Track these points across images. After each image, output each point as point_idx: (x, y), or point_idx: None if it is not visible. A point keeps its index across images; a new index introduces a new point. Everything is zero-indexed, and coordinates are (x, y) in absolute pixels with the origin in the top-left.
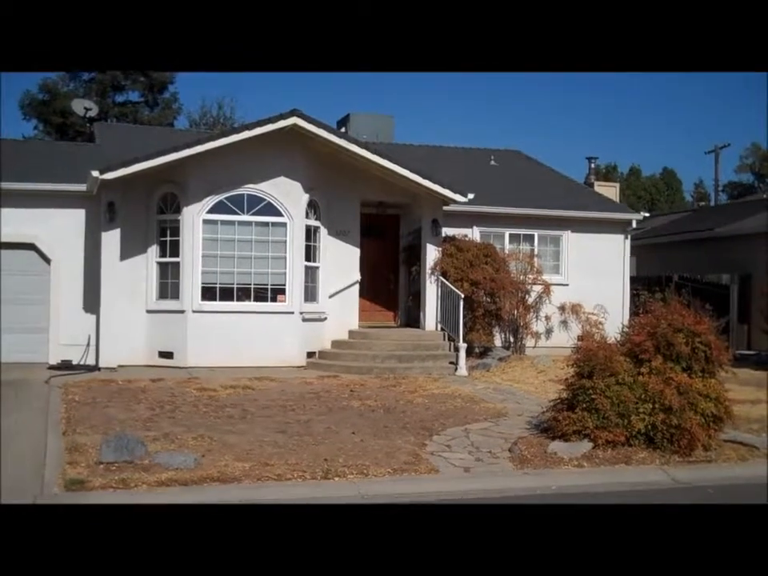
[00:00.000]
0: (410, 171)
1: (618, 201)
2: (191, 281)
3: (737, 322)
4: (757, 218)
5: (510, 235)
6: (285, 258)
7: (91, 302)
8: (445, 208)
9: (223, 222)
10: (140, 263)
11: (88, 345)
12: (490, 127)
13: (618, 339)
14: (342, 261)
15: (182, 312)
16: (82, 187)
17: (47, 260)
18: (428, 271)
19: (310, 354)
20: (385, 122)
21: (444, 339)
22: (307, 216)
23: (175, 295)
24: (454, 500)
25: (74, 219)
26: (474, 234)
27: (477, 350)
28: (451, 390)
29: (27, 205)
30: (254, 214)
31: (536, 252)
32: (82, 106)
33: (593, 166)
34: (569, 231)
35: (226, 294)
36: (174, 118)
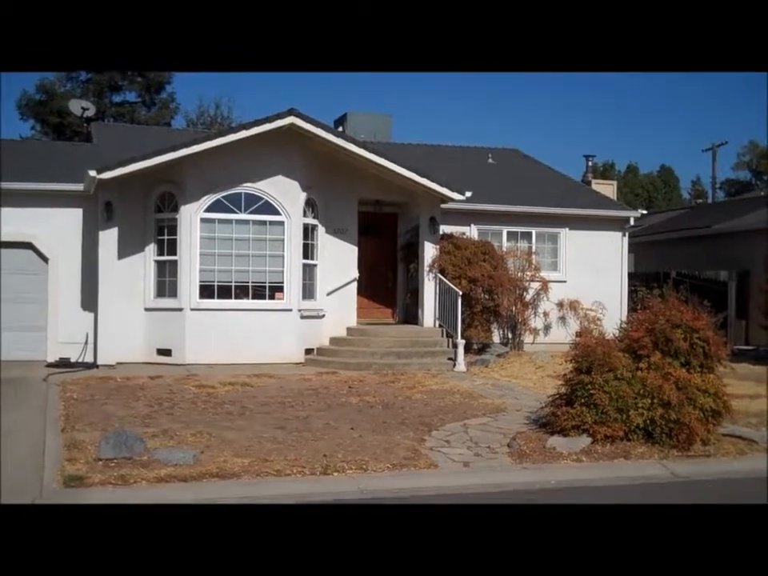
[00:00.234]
0: (408, 170)
1: (615, 198)
2: (189, 279)
3: (735, 318)
4: (754, 215)
5: (508, 233)
6: (283, 256)
7: (89, 300)
8: (442, 206)
9: (221, 221)
10: (138, 262)
11: (86, 343)
12: (487, 126)
13: (617, 335)
14: (339, 259)
15: (180, 310)
16: (80, 187)
17: (45, 259)
18: (426, 268)
19: (309, 351)
20: (382, 121)
21: (442, 336)
22: (305, 214)
23: (173, 293)
24: (453, 495)
25: (72, 218)
26: (472, 231)
27: (475, 347)
28: (450, 386)
29: (25, 204)
30: (251, 213)
31: (534, 249)
32: (79, 106)
33: (590, 163)
34: (566, 228)
35: (224, 292)
36: (171, 117)
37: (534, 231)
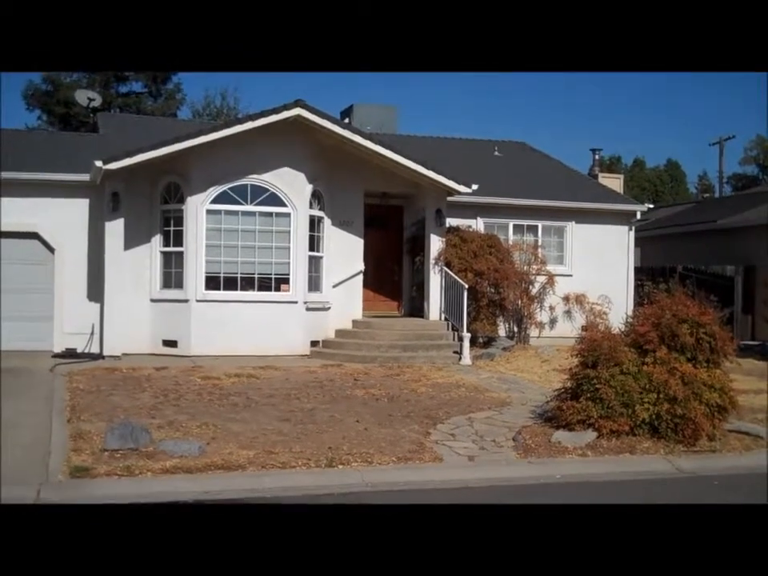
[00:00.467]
0: (414, 162)
1: (622, 192)
2: (195, 270)
3: (741, 313)
4: (761, 210)
5: (514, 226)
6: (288, 247)
7: (95, 291)
8: (449, 199)
9: (227, 212)
10: (144, 253)
11: (92, 333)
12: (494, 119)
13: (623, 329)
14: (345, 251)
15: (186, 301)
16: (86, 177)
17: (51, 249)
18: (432, 261)
19: (314, 343)
20: (388, 113)
21: (448, 329)
22: (311, 206)
23: (179, 284)
24: (458, 488)
25: (78, 209)
26: (478, 224)
27: (481, 340)
28: (455, 380)
29: (31, 194)
30: (257, 204)
31: (540, 243)
32: (85, 97)
33: (597, 157)
34: (573, 222)
35: (230, 284)
36: (177, 108)
37: (540, 224)
